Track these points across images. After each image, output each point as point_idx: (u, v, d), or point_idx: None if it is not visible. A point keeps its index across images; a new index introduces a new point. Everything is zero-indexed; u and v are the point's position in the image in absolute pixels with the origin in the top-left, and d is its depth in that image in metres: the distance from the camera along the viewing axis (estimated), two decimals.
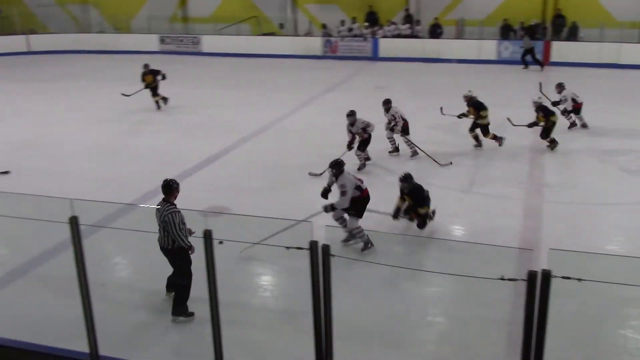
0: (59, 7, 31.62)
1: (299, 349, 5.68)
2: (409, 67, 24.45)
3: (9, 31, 30.57)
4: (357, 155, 11.57)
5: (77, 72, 24.44)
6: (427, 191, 8.74)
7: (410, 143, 12.38)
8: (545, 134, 12.53)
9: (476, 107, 12.55)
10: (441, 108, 13.35)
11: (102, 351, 5.25)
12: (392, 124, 12.24)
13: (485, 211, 9.75)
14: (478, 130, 12.75)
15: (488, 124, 12.63)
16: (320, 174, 11.00)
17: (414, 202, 8.55)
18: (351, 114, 11.43)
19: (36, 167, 12.32)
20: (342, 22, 27.00)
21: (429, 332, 6.65)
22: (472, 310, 6.80)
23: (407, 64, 24.80)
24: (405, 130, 12.25)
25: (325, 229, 4.39)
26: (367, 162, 11.81)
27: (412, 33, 26.22)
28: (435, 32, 25.99)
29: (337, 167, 8.24)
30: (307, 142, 13.61)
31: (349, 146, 11.52)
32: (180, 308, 6.58)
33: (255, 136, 14.29)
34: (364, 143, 11.56)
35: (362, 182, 8.34)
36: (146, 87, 16.74)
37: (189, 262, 6.61)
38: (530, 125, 12.70)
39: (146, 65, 16.95)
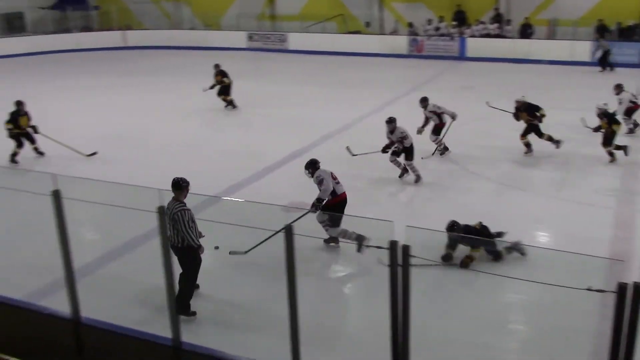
0: (153, 4, 32.79)
1: (375, 351, 5.65)
2: (497, 67, 23.84)
3: (106, 26, 32.04)
4: (407, 167, 11.04)
5: (168, 67, 25.27)
6: (486, 227, 7.92)
7: (437, 142, 12.34)
8: (606, 141, 11.74)
9: (529, 111, 12.06)
10: (487, 102, 13.10)
11: (185, 338, 5.40)
12: (426, 123, 12.30)
13: (572, 219, 9.39)
14: (530, 137, 12.19)
15: (538, 123, 12.04)
16: (355, 154, 11.19)
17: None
18: (390, 121, 10.98)
19: (127, 157, 12.85)
20: (429, 21, 26.65)
21: (510, 340, 6.47)
22: (556, 320, 6.57)
23: (495, 64, 24.19)
24: (436, 131, 12.24)
25: (406, 229, 4.34)
26: (406, 173, 11.14)
27: (501, 33, 25.56)
28: (526, 32, 25.22)
29: (311, 167, 8.25)
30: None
31: (384, 149, 11.17)
32: (181, 307, 6.35)
33: (338, 133, 14.32)
34: (407, 153, 10.87)
35: (338, 183, 8.23)
36: (213, 86, 16.98)
37: (198, 262, 6.64)
38: (595, 130, 11.98)
39: (217, 66, 17.19)
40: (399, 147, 10.91)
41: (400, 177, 11.18)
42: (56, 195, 5.45)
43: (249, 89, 18.49)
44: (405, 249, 4.32)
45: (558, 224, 9.32)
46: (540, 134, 12.18)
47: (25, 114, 12.51)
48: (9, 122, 12.31)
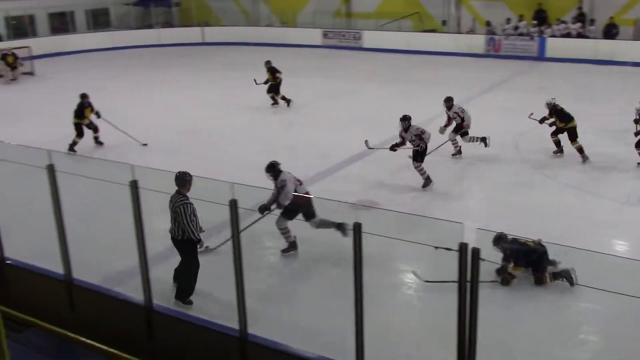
0: (232, 1, 33.40)
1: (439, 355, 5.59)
2: (578, 68, 23.01)
3: (186, 23, 32.89)
4: (415, 168, 10.68)
5: (243, 64, 25.67)
6: (543, 247, 7.28)
7: (455, 142, 12.31)
8: None
9: (559, 116, 11.82)
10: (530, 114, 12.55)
11: (251, 330, 5.49)
12: (448, 123, 12.30)
13: None
14: (560, 136, 11.98)
15: (575, 127, 11.73)
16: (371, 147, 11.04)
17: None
18: (404, 119, 10.79)
19: (199, 150, 13.17)
20: (508, 20, 26.00)
21: (580, 350, 6.26)
22: (630, 331, 6.30)
23: (576, 65, 23.36)
24: (457, 129, 12.17)
25: (476, 232, 4.26)
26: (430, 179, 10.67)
27: (584, 33, 24.66)
28: (610, 32, 24.23)
29: (271, 169, 8.06)
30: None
31: (392, 147, 10.99)
32: (182, 297, 6.75)
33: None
34: (420, 154, 10.62)
35: (301, 183, 8.13)
36: (265, 82, 17.05)
37: (196, 256, 6.78)
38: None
39: (268, 62, 17.26)
40: (422, 146, 10.57)
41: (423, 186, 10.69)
42: (134, 186, 5.64)
43: (322, 86, 18.57)
44: (475, 252, 4.24)
45: (632, 230, 8.95)
46: (573, 139, 11.79)
47: (89, 105, 13.23)
48: (76, 115, 13.05)
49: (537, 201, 10.06)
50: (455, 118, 12.24)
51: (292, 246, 8.06)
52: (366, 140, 11.55)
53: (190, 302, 6.78)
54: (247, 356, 5.48)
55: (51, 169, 6.04)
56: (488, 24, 26.21)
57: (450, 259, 4.37)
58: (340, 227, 7.86)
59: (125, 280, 7.11)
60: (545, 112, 12.05)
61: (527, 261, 7.25)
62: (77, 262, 6.54)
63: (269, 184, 8.10)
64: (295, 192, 7.90)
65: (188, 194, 6.74)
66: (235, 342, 5.47)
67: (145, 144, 13.51)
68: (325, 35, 29.50)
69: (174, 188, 6.73)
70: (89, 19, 30.97)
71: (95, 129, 13.42)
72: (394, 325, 6.65)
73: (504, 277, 7.20)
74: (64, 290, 6.44)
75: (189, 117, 16.17)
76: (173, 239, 6.84)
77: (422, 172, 10.64)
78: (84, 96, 13.17)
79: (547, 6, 25.85)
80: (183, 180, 6.77)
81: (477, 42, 26.07)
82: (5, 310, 4.27)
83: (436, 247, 4.50)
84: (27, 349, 5.20)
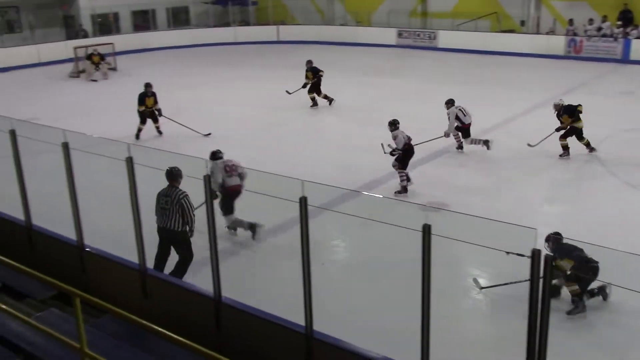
0: (308, 0, 33.64)
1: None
2: None
3: (262, 21, 33.38)
4: (396, 171, 10.54)
5: (317, 63, 25.79)
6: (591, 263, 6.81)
7: (457, 136, 12.75)
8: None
9: (568, 113, 12.03)
10: (528, 144, 12.60)
11: (317, 327, 5.51)
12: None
13: None
14: (570, 139, 12.15)
15: (582, 127, 12.04)
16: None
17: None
18: (391, 124, 10.83)
19: (273, 146, 13.35)
20: (591, 21, 25.08)
21: None
22: None
23: None
24: (463, 132, 12.63)
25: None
26: (408, 183, 10.46)
27: None
28: None
29: (211, 157, 8.56)
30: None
31: (392, 152, 10.75)
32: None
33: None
34: (404, 158, 10.58)
35: (233, 173, 8.44)
36: (303, 86, 17.11)
37: (191, 247, 7.35)
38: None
39: (309, 62, 17.34)
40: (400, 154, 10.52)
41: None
42: (207, 180, 5.77)
43: (396, 86, 18.45)
44: (548, 259, 4.11)
45: None
46: (580, 138, 12.14)
47: (153, 94, 14.05)
48: (138, 103, 13.92)
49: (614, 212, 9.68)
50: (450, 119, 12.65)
51: (252, 229, 8.60)
52: (382, 144, 11.11)
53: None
54: (312, 353, 5.51)
55: (130, 162, 6.25)
56: (571, 22, 25.35)
57: (521, 265, 4.27)
58: (252, 227, 8.42)
59: (196, 271, 7.30)
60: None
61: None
62: (151, 252, 6.75)
63: (339, 182, 8.14)
64: (222, 183, 8.35)
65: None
66: (301, 339, 5.51)
67: (209, 134, 14.03)
68: (399, 34, 29.30)
69: (250, 184, 6.85)
70: (170, 17, 31.87)
71: (155, 119, 14.08)
72: (461, 329, 6.54)
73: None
74: (138, 279, 6.66)
75: (263, 114, 16.40)
76: (168, 230, 7.22)
77: (402, 177, 10.45)
78: (147, 85, 13.95)
79: (634, 7, 24.77)
80: (173, 175, 7.25)
81: (557, 43, 25.29)
82: (83, 296, 4.44)
83: (507, 253, 4.40)
84: (103, 334, 5.40)
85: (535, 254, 4.12)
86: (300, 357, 5.55)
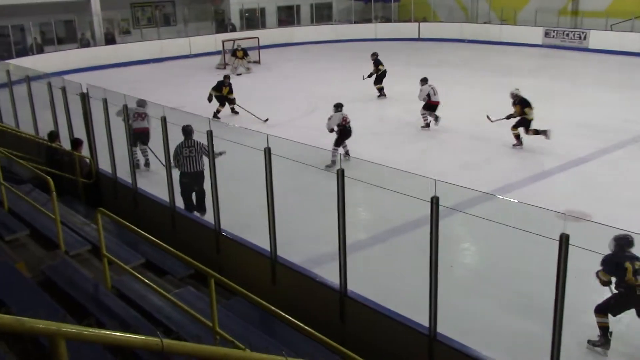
0: None
1: None
2: None
3: (404, 18, 33.24)
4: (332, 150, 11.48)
5: (456, 61, 25.33)
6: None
7: (425, 116, 14.56)
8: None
9: (522, 104, 12.74)
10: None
11: (440, 329, 5.44)
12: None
13: None
14: (521, 129, 12.81)
15: (532, 120, 12.73)
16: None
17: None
18: (335, 106, 12.52)
19: (406, 145, 13.26)
20: None
21: None
22: None
23: None
24: (426, 107, 14.55)
25: None
26: (342, 159, 10.00)
27: None
28: None
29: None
30: None
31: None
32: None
33: (634, 143, 13.02)
34: (340, 137, 12.12)
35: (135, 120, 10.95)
36: (371, 75, 18.38)
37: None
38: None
39: (374, 54, 18.65)
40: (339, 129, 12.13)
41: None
42: (341, 174, 5.86)
43: (539, 87, 17.65)
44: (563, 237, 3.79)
45: None
46: (527, 130, 12.80)
47: (229, 85, 16.14)
48: (214, 88, 16.01)
49: None
50: (424, 97, 14.47)
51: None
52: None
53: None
54: (434, 355, 5.45)
55: (268, 152, 6.49)
56: None
57: None
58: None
59: (324, 264, 7.44)
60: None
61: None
62: (282, 240, 6.96)
63: (473, 183, 7.96)
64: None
65: None
66: (423, 339, 5.47)
67: (267, 120, 15.26)
68: (546, 34, 27.99)
69: (378, 180, 6.85)
70: (313, 12, 32.59)
71: (231, 102, 16.29)
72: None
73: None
74: (268, 266, 6.91)
75: (397, 112, 16.35)
76: (193, 173, 9.05)
77: (334, 154, 11.08)
78: (225, 77, 16.29)
79: None
80: (190, 131, 9.06)
81: None
82: (217, 277, 4.68)
83: None
84: (233, 315, 5.65)
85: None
86: (422, 358, 5.51)
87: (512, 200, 9.32)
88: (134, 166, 9.78)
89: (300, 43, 29.97)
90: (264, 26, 31.34)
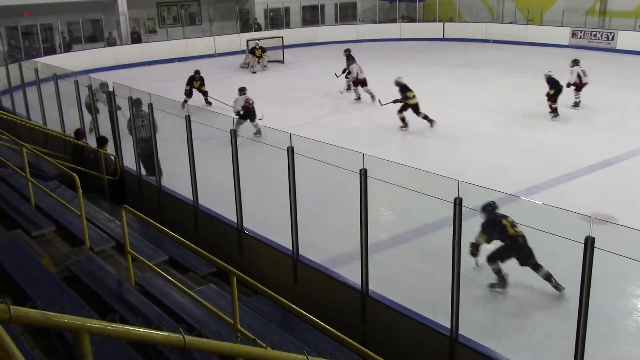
0: None
1: None
2: None
3: (429, 18, 33.07)
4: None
5: (482, 61, 25.12)
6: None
7: (356, 91, 17.50)
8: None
9: (403, 90, 14.31)
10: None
11: (462, 331, 5.41)
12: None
13: None
14: (406, 113, 14.34)
15: (416, 103, 14.28)
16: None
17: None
18: (239, 90, 14.16)
19: (433, 145, 13.20)
20: None
21: None
22: None
23: None
24: (356, 83, 17.45)
25: None
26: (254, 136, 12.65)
27: None
28: None
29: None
30: None
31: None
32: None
33: None
34: (244, 117, 13.53)
35: None
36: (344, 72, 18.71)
37: None
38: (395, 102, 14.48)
39: (347, 50, 19.52)
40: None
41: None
42: (363, 174, 5.85)
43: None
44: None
45: None
46: (417, 113, 14.36)
47: (200, 79, 17.62)
48: (187, 83, 17.45)
49: None
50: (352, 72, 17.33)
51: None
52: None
53: None
54: (455, 357, 5.42)
55: (291, 151, 6.50)
56: None
57: None
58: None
59: (345, 263, 7.43)
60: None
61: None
62: (304, 239, 6.97)
63: (495, 184, 7.89)
64: None
65: None
66: (445, 341, 5.44)
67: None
68: (573, 34, 27.64)
69: (401, 180, 6.83)
70: (337, 12, 32.56)
71: (204, 94, 17.78)
72: (619, 353, 6.10)
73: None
74: (290, 265, 6.93)
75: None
76: (148, 139, 9.62)
77: (256, 127, 13.40)
78: (196, 72, 17.71)
79: None
80: (140, 101, 9.74)
81: None
82: (239, 275, 4.70)
83: None
84: (255, 313, 5.68)
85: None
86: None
87: (537, 202, 9.25)
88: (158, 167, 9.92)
89: (324, 43, 29.96)
90: (288, 26, 31.39)
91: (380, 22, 32.61)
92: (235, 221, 7.67)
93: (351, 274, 6.44)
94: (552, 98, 15.13)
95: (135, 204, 8.43)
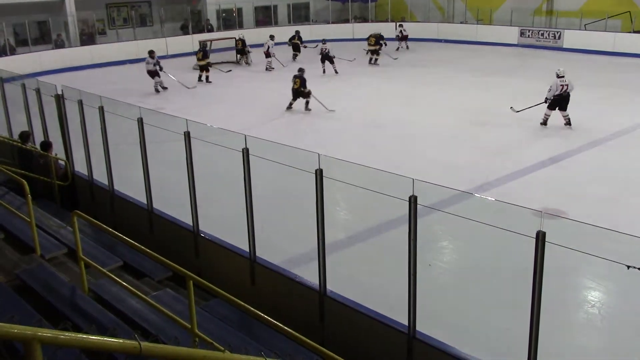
0: None
1: None
2: None
3: (381, 18, 33.33)
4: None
5: (434, 60, 25.46)
6: None
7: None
8: None
9: (301, 84, 15.76)
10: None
11: (419, 327, 5.46)
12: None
13: None
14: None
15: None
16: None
17: None
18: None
19: (387, 144, 13.31)
20: None
21: None
22: None
23: None
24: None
25: None
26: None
27: None
28: None
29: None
30: None
31: None
32: None
33: (608, 140, 13.20)
34: None
35: None
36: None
37: None
38: None
39: (293, 37, 19.69)
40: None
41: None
42: (319, 174, 5.86)
43: (516, 87, 17.84)
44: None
45: None
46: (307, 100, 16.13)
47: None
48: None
49: None
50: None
51: None
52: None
53: None
54: (413, 353, 5.47)
55: (246, 152, 6.47)
56: None
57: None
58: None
59: (303, 264, 7.43)
60: None
61: None
62: (260, 240, 6.93)
63: (451, 182, 8.00)
64: None
65: None
66: (402, 338, 5.49)
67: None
68: (521, 33, 28.29)
69: (356, 179, 6.88)
70: (290, 12, 32.50)
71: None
72: (572, 344, 6.26)
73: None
74: (247, 267, 6.89)
75: (378, 111, 16.40)
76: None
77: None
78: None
79: None
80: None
81: None
82: (196, 279, 4.65)
83: (629, 267, 4.16)
84: (212, 317, 5.63)
85: None
86: (401, 356, 5.53)
87: (489, 198, 9.43)
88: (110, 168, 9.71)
89: (278, 43, 29.86)
90: (241, 26, 31.19)
91: (333, 23, 32.69)
92: (191, 224, 7.59)
93: (309, 274, 6.44)
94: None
95: (88, 209, 8.25)
